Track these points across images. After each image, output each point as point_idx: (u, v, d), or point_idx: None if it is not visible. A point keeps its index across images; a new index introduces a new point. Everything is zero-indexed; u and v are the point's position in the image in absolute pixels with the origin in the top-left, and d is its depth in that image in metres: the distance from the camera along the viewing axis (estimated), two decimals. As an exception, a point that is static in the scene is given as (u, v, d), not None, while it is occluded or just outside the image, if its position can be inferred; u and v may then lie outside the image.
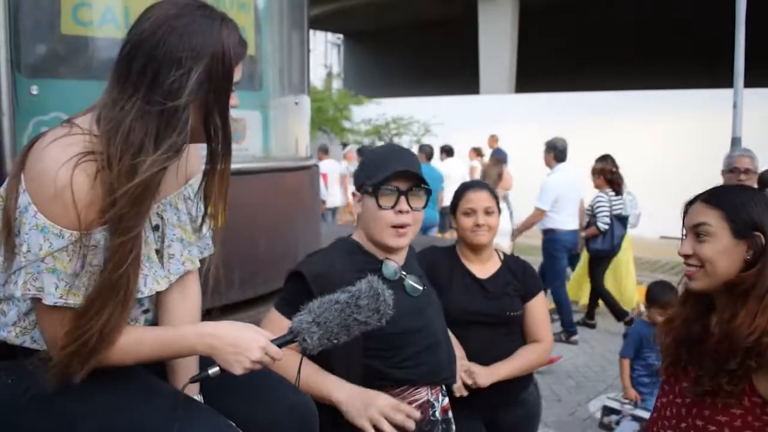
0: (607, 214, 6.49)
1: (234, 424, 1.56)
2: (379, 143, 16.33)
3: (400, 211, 2.00)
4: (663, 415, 1.98)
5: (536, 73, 18.39)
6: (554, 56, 20.41)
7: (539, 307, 2.69)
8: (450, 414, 2.12)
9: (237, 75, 1.48)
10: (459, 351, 2.34)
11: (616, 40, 19.70)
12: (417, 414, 1.89)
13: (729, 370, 1.73)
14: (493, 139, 13.22)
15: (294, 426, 1.65)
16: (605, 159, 6.77)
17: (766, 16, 12.50)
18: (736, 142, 8.05)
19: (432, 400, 2.05)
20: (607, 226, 6.49)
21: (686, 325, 1.94)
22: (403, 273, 2.10)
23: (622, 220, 6.64)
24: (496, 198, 2.67)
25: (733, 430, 1.76)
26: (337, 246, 2.16)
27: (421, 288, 2.11)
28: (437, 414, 2.05)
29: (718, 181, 7.12)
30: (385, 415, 1.83)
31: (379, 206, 2.00)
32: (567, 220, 6.69)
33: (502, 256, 2.73)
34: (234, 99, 1.50)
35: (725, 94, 8.99)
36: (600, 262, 6.73)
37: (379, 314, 1.59)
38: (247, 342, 1.49)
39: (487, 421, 2.55)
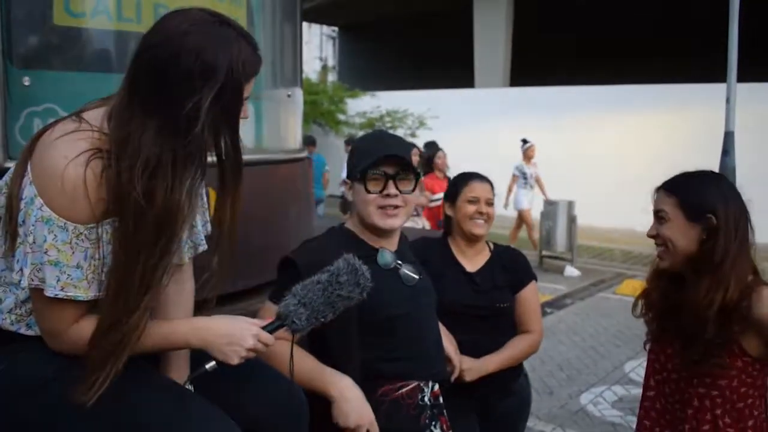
0: None
1: (224, 413, 1.56)
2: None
3: (388, 195, 2.03)
4: (662, 392, 2.12)
5: (532, 66, 18.37)
6: (550, 50, 20.39)
7: (529, 298, 2.71)
8: (441, 399, 2.13)
9: (249, 90, 1.47)
10: (451, 342, 2.36)
11: (610, 34, 19.69)
12: None
13: (708, 340, 1.92)
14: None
15: (284, 416, 1.67)
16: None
17: (759, 10, 12.51)
18: (729, 136, 8.07)
19: (422, 385, 2.07)
20: None
21: (663, 298, 2.13)
22: (399, 262, 2.12)
23: None
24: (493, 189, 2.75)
25: (733, 390, 1.96)
26: (331, 234, 2.17)
27: (417, 277, 2.14)
28: (426, 399, 2.07)
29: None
30: (360, 428, 1.87)
31: (368, 191, 2.04)
32: None
33: (492, 247, 2.76)
34: (246, 112, 1.51)
35: (718, 88, 9.01)
36: None
37: (360, 287, 1.66)
38: (240, 332, 1.53)
39: (478, 410, 2.57)
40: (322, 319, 1.63)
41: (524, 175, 10.64)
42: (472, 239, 2.66)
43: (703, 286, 1.93)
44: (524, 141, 10.81)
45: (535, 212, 10.36)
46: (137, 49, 1.44)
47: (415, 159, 6.68)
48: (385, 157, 2.04)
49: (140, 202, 1.35)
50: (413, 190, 2.09)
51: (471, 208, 2.63)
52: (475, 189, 2.67)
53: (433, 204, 7.65)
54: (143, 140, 1.36)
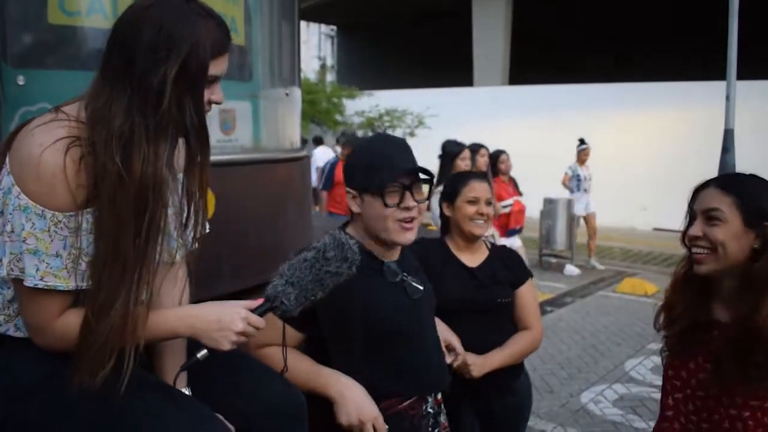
0: None
1: (220, 415, 1.55)
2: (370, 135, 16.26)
3: (407, 207, 1.95)
4: (685, 410, 1.96)
5: (530, 64, 18.37)
6: (548, 48, 20.40)
7: (528, 295, 2.70)
8: (442, 406, 2.13)
9: (218, 68, 1.47)
10: (452, 334, 2.35)
11: (610, 32, 19.69)
12: None
13: (756, 362, 1.75)
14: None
15: (278, 416, 1.66)
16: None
17: (759, 8, 12.50)
18: (728, 134, 8.07)
19: (427, 396, 2.06)
20: None
21: (690, 313, 1.94)
22: (405, 274, 2.07)
23: None
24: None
25: (765, 411, 1.79)
26: None
27: (421, 288, 2.09)
28: (429, 408, 2.07)
29: (713, 172, 7.12)
30: (364, 424, 1.85)
31: (386, 205, 1.94)
32: None
33: (489, 246, 2.76)
34: (218, 94, 1.50)
35: (719, 86, 9.00)
36: None
37: (348, 262, 1.62)
38: (229, 316, 1.51)
39: (479, 410, 2.57)
40: (312, 298, 1.58)
41: (577, 178, 9.97)
42: (471, 239, 2.65)
43: (766, 307, 1.73)
44: (581, 141, 9.93)
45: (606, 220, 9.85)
46: (109, 35, 1.45)
47: (484, 161, 6.36)
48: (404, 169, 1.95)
49: (120, 174, 1.35)
50: (428, 199, 2.04)
51: (471, 209, 2.62)
52: (475, 189, 2.65)
53: (502, 211, 6.96)
54: (114, 114, 1.37)
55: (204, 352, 1.51)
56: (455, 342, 2.32)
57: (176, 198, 1.55)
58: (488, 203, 2.65)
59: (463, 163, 5.60)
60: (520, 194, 7.39)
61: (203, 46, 1.42)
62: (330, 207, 8.12)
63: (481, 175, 2.77)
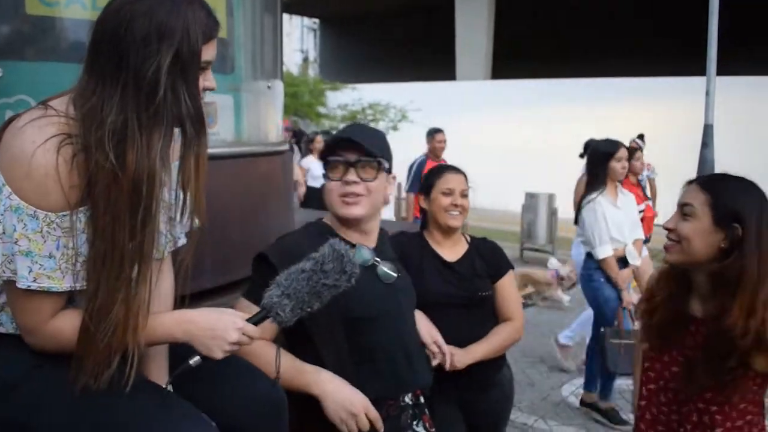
0: None
1: (203, 413, 1.54)
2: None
3: (347, 182, 1.99)
4: (657, 401, 2.02)
5: (513, 59, 18.41)
6: (531, 43, 20.45)
7: (508, 286, 2.72)
8: (422, 399, 2.12)
9: (208, 54, 1.47)
10: (437, 332, 2.36)
11: (593, 27, 19.78)
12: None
13: (729, 368, 1.79)
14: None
15: (263, 415, 1.65)
16: None
17: (740, 3, 12.61)
18: (708, 129, 8.14)
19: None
20: None
21: (668, 304, 1.99)
22: (377, 259, 2.08)
23: None
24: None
25: (733, 407, 1.86)
26: (307, 229, 2.14)
27: (394, 275, 2.09)
28: (407, 399, 2.06)
29: (692, 167, 7.17)
30: (356, 416, 1.83)
31: (329, 178, 2.02)
32: None
33: (469, 239, 2.76)
34: (211, 81, 1.50)
35: (699, 81, 9.07)
36: None
37: (347, 275, 1.61)
38: (224, 324, 1.51)
39: (462, 404, 2.57)
40: (308, 309, 1.59)
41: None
42: (447, 231, 2.66)
43: (738, 311, 1.77)
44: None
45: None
46: (92, 29, 1.43)
47: (639, 164, 5.81)
48: (343, 142, 2.00)
49: (114, 171, 1.33)
50: (375, 179, 2.02)
51: (446, 200, 2.63)
52: (450, 181, 2.67)
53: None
54: (106, 111, 1.35)
55: (197, 358, 1.51)
56: (437, 335, 2.32)
57: (166, 192, 1.54)
58: (463, 195, 2.66)
59: (619, 165, 4.50)
60: (648, 198, 6.44)
61: (194, 33, 1.41)
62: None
63: (457, 168, 2.78)
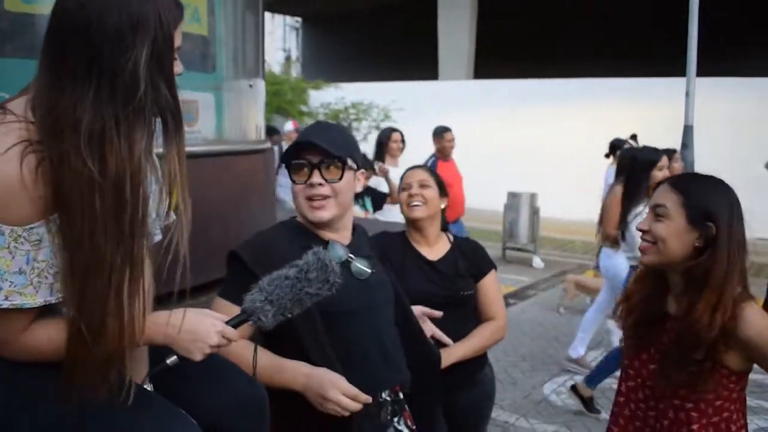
0: None
1: (184, 411, 1.53)
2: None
3: (312, 184, 1.97)
4: (635, 398, 2.04)
5: (496, 59, 18.47)
6: (514, 43, 20.52)
7: (491, 286, 2.73)
8: (401, 395, 2.12)
9: (178, 39, 1.40)
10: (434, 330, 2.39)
11: (575, 28, 19.88)
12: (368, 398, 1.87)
13: (696, 360, 1.82)
14: None
15: (244, 413, 1.64)
16: None
17: (720, 5, 12.73)
18: (688, 130, 8.22)
19: None
20: None
21: (645, 305, 2.02)
22: (350, 255, 2.06)
23: None
24: (435, 177, 2.75)
25: (709, 403, 1.88)
26: (279, 227, 2.13)
27: (369, 270, 2.07)
28: (385, 395, 2.05)
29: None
30: (338, 403, 1.82)
31: (293, 181, 2.00)
32: None
33: (451, 238, 2.77)
34: (178, 66, 1.42)
35: (680, 82, 9.14)
36: None
37: (329, 284, 1.62)
38: (205, 328, 1.48)
39: (443, 402, 2.56)
40: (289, 315, 1.59)
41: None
42: (416, 226, 2.68)
43: (704, 306, 1.81)
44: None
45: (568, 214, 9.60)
46: (49, 26, 1.34)
47: (678, 166, 5.70)
48: (308, 147, 1.97)
49: (92, 177, 1.25)
50: (341, 179, 2.00)
51: (404, 195, 2.69)
52: (407, 177, 2.73)
53: None
54: (80, 113, 1.26)
55: (174, 358, 1.50)
56: (437, 334, 2.37)
57: (155, 187, 1.49)
58: (422, 185, 2.68)
59: (661, 174, 4.40)
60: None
61: (165, 20, 1.34)
62: None
63: (419, 165, 2.88)
